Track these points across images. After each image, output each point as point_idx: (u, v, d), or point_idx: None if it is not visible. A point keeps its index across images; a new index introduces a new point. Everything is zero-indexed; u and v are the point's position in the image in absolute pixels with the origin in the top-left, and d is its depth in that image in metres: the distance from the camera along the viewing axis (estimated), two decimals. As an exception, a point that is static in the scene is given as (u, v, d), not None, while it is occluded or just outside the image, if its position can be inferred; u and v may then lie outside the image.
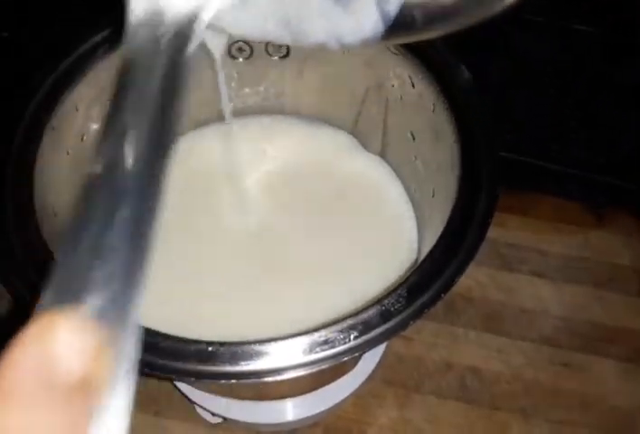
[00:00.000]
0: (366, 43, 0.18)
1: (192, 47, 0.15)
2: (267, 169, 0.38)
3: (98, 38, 0.30)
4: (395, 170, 0.38)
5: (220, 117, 0.39)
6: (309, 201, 0.37)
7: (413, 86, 0.32)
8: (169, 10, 0.15)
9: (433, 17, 0.17)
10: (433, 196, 0.32)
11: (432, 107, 0.31)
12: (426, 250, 0.26)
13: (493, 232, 0.47)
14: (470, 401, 0.42)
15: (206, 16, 0.15)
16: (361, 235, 0.36)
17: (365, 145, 0.39)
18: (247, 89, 0.37)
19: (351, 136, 0.40)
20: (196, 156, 0.38)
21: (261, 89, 0.38)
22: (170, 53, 0.15)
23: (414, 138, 0.34)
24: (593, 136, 0.57)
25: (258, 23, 0.17)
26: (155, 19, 0.15)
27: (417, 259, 0.34)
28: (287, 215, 0.36)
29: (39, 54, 0.34)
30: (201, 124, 0.39)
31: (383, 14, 0.17)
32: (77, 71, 0.30)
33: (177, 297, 0.33)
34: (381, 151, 0.38)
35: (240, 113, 0.39)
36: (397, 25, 0.17)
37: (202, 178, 0.38)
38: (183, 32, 0.15)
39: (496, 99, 0.57)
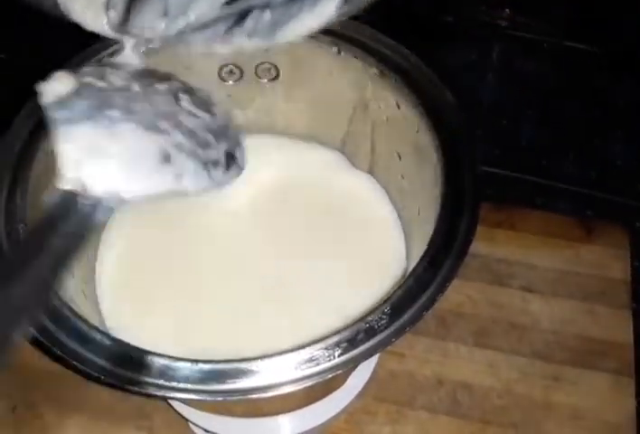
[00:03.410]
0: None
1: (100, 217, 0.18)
2: (257, 187, 0.39)
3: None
4: (384, 188, 0.39)
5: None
6: (299, 218, 0.38)
7: (398, 107, 0.33)
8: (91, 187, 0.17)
9: None
10: (419, 214, 0.33)
11: (416, 128, 0.31)
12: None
13: (482, 248, 0.49)
14: (462, 416, 0.42)
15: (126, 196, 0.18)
16: (350, 252, 0.36)
17: (354, 163, 0.40)
18: (237, 111, 0.38)
19: (340, 154, 0.40)
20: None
21: (251, 109, 0.39)
22: (82, 217, 0.17)
23: (400, 158, 0.35)
24: (583, 151, 0.58)
25: None
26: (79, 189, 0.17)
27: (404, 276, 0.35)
28: (276, 233, 0.36)
29: (35, 77, 0.34)
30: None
31: None
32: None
33: (161, 316, 0.33)
34: (370, 169, 0.39)
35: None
36: None
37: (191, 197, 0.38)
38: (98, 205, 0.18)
39: (487, 115, 0.58)
